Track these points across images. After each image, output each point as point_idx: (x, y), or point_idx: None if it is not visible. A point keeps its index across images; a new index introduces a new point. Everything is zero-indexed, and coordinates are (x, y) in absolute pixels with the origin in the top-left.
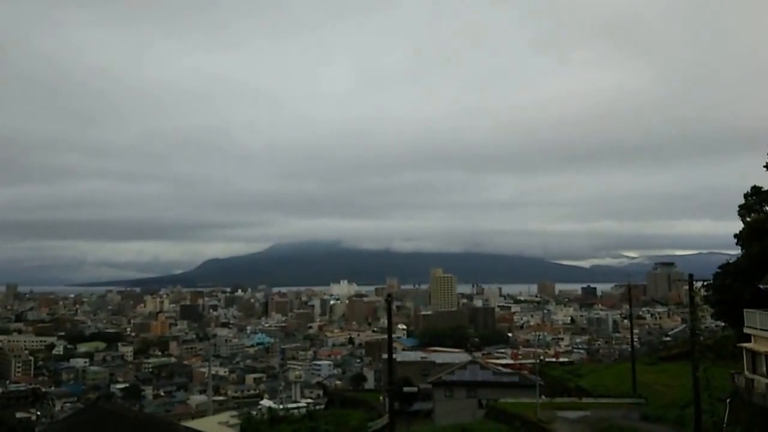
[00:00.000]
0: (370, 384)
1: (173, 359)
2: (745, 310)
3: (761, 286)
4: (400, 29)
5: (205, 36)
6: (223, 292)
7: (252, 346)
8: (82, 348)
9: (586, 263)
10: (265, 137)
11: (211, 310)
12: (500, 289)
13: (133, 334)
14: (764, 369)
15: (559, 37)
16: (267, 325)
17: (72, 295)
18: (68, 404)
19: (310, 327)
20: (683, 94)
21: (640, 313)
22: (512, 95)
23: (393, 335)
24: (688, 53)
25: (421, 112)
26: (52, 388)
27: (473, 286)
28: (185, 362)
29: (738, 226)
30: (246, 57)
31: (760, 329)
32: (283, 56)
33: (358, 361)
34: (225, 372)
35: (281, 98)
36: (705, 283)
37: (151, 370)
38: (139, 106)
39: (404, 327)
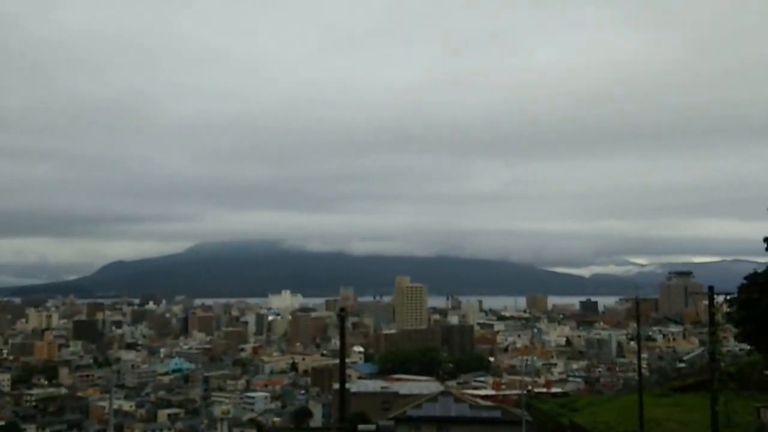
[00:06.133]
0: (317, 421)
1: (64, 390)
2: None
3: None
4: None
5: None
6: (130, 304)
7: (166, 373)
8: None
9: (585, 271)
10: (191, 109)
11: (113, 328)
12: (481, 302)
13: (11, 357)
14: None
15: None
16: (186, 347)
17: None
18: None
19: (242, 349)
20: (714, 66)
21: (650, 333)
22: (504, 62)
23: (347, 360)
24: (717, 9)
25: (390, 80)
26: None
27: (448, 299)
28: (79, 394)
29: None
30: (169, 9)
31: None
32: (219, 9)
33: (303, 392)
34: (131, 407)
35: (214, 61)
36: (728, 297)
37: (34, 404)
38: (26, 66)
39: (361, 349)
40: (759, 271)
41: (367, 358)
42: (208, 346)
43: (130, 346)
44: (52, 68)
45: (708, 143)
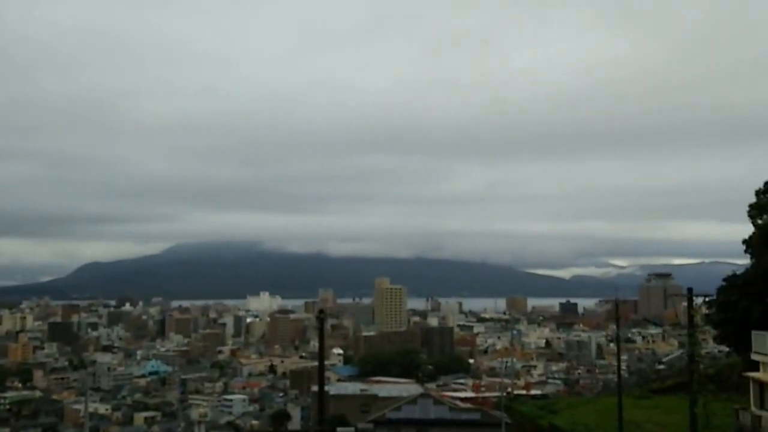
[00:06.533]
0: (295, 424)
1: (38, 393)
2: (753, 332)
3: None
4: None
5: None
6: (106, 306)
7: (143, 376)
8: None
9: (565, 273)
10: (170, 108)
11: (89, 330)
12: (460, 304)
13: None
14: None
15: None
16: (163, 349)
17: None
18: None
19: (220, 352)
20: (694, 70)
21: (630, 335)
22: (484, 63)
23: (326, 362)
24: (697, 14)
25: (370, 80)
26: None
27: (427, 301)
28: (54, 397)
29: (748, 229)
30: (149, 7)
31: None
32: (200, 8)
33: (281, 395)
34: (107, 410)
35: (194, 60)
36: (707, 299)
37: (8, 407)
38: (2, 63)
39: (340, 351)
40: (737, 272)
41: (347, 360)
42: (185, 348)
43: (106, 349)
44: (30, 65)
45: (687, 146)
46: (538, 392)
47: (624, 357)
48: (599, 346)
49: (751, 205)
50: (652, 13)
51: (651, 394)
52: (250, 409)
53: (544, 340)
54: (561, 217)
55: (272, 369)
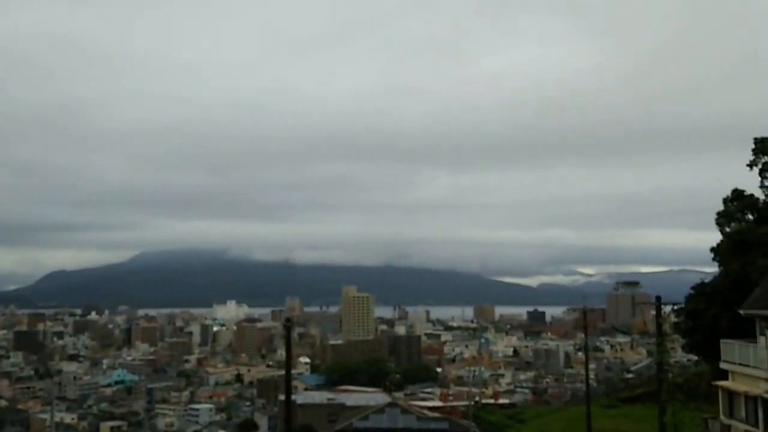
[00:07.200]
0: None
1: (3, 403)
2: (721, 340)
3: (741, 312)
4: None
5: None
6: (72, 314)
7: (109, 385)
8: None
9: (532, 281)
10: (133, 114)
11: (55, 339)
12: (428, 312)
13: None
14: (743, 413)
15: (507, 3)
16: (129, 358)
17: None
18: None
19: (187, 361)
20: (656, 77)
21: (598, 343)
22: (449, 71)
23: (293, 371)
24: (664, 27)
25: (336, 87)
26: None
27: (395, 309)
28: (20, 406)
29: (716, 237)
30: (112, 13)
31: (740, 364)
32: (163, 13)
33: (248, 404)
34: (73, 419)
35: (157, 66)
36: (675, 308)
37: None
38: None
39: (307, 360)
40: (706, 281)
41: (314, 369)
42: (151, 357)
43: (72, 358)
44: None
45: (655, 155)
46: (506, 401)
47: (592, 366)
48: (567, 355)
49: (718, 213)
50: (618, 26)
51: (619, 403)
52: (217, 418)
53: (511, 349)
54: (529, 225)
55: (239, 378)
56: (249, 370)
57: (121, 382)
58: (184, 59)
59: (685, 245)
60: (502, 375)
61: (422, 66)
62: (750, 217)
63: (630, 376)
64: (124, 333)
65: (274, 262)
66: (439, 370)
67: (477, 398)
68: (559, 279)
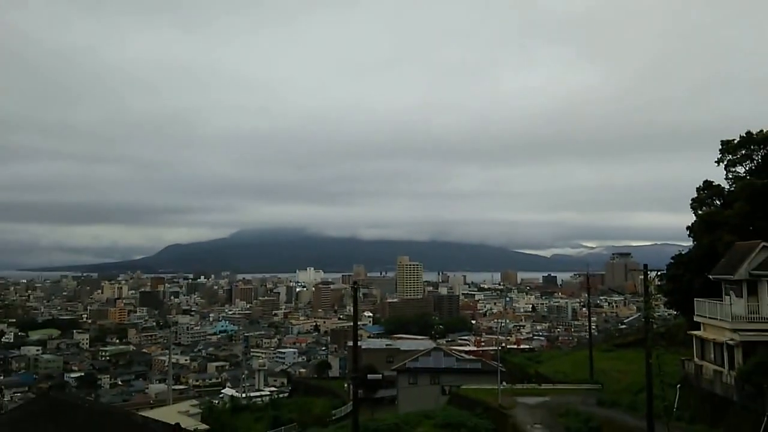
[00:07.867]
0: (334, 372)
1: (132, 347)
2: (695, 299)
3: (711, 277)
4: (375, 21)
5: (172, 18)
6: (185, 278)
7: (214, 333)
8: (35, 336)
9: (546, 253)
10: (231, 123)
11: (172, 297)
12: (465, 277)
13: (90, 321)
14: (712, 356)
15: (528, 36)
16: (230, 312)
17: (24, 281)
18: (18, 394)
19: (275, 314)
20: (645, 92)
21: (598, 301)
22: (479, 90)
23: (359, 323)
24: (648, 54)
25: (391, 102)
26: (1, 377)
27: (439, 274)
28: (144, 350)
29: (690, 218)
30: (216, 42)
31: (709, 318)
32: (254, 44)
33: (323, 348)
34: (186, 360)
35: (250, 86)
36: (659, 274)
37: (108, 358)
38: (100, 88)
39: (370, 314)
40: (683, 252)
41: (375, 321)
42: (248, 312)
43: (185, 312)
44: (120, 90)
45: (644, 153)
46: (526, 347)
47: (594, 319)
48: (574, 310)
49: (693, 199)
50: (615, 50)
51: (615, 348)
52: (299, 360)
53: (530, 306)
54: (543, 209)
55: (316, 328)
56: (324, 322)
57: (224, 331)
58: (272, 82)
59: (667, 224)
60: (523, 326)
61: (458, 86)
62: (717, 202)
63: (623, 327)
64: (227, 293)
65: (343, 237)
66: (473, 322)
67: (503, 344)
68: (568, 251)
